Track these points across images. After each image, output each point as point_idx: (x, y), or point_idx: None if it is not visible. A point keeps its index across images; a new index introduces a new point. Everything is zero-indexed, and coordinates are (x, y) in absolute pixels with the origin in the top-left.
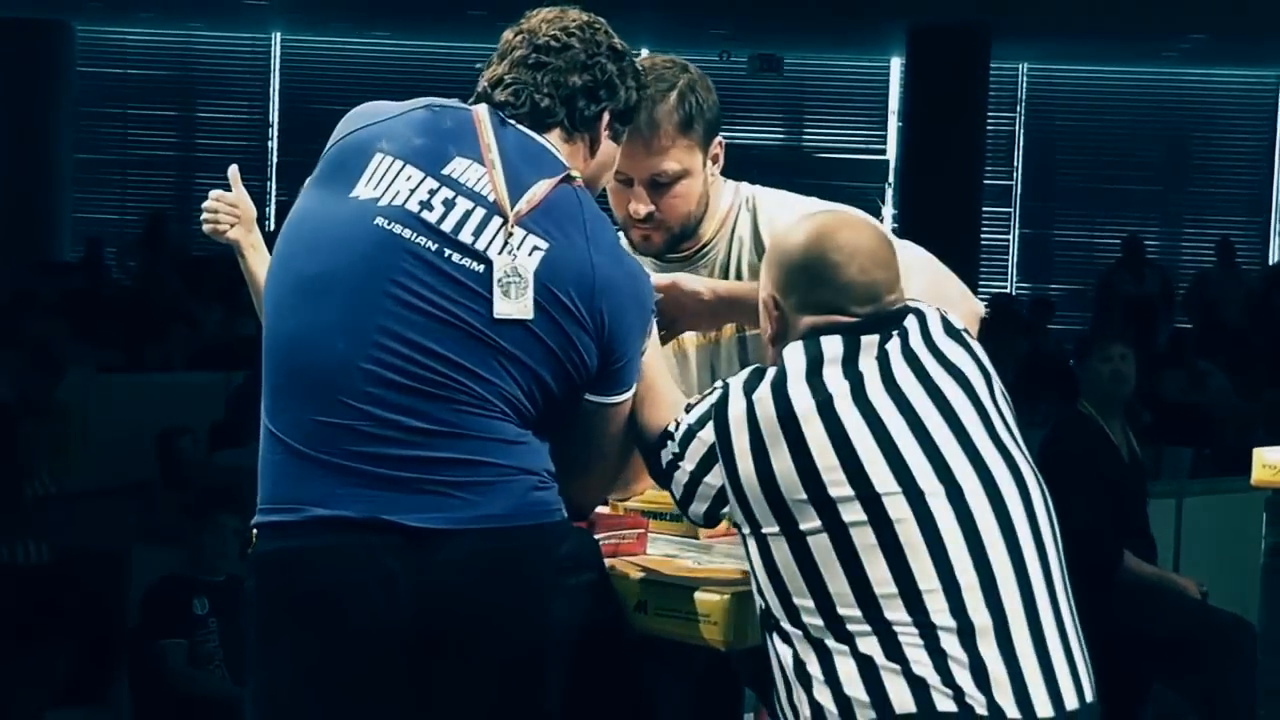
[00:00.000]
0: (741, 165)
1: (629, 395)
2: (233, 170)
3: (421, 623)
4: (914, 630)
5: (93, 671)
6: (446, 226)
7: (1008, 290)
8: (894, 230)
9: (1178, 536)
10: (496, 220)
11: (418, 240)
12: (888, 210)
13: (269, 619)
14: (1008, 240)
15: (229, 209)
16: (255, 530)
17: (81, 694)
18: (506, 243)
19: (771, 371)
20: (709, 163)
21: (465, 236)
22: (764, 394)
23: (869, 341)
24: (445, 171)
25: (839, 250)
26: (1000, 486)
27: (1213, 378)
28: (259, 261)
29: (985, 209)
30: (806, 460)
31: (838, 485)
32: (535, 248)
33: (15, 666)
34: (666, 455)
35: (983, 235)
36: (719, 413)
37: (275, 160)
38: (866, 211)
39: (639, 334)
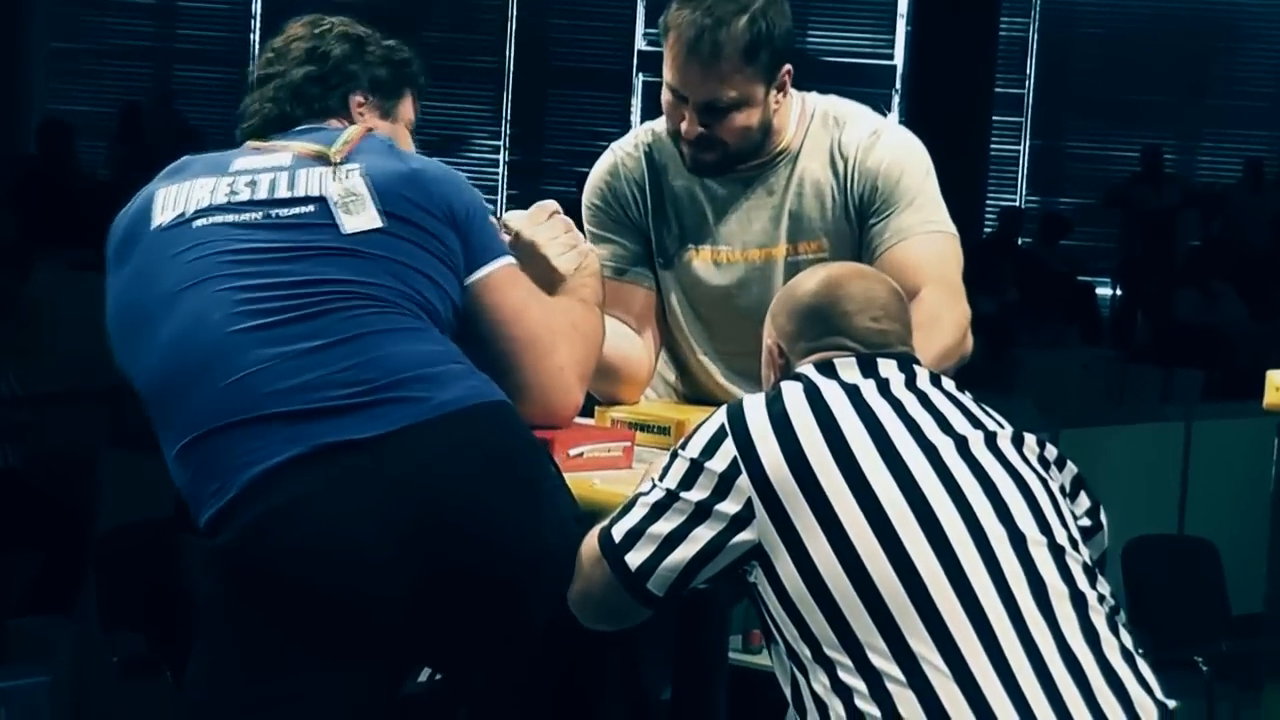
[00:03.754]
0: None
1: (506, 263)
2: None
3: (414, 532)
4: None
5: (60, 579)
6: (260, 195)
7: (1016, 203)
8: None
9: (1186, 461)
10: (305, 169)
11: (242, 218)
12: (893, 117)
13: (238, 605)
14: (1018, 151)
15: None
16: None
17: (47, 602)
18: (334, 177)
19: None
20: (773, 91)
21: (282, 193)
22: (793, 393)
23: (884, 362)
24: (233, 169)
25: (851, 300)
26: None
27: (1227, 298)
28: None
29: (996, 118)
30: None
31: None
32: (356, 169)
33: None
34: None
35: (992, 145)
36: (735, 424)
37: (257, 53)
38: None
39: (480, 208)
